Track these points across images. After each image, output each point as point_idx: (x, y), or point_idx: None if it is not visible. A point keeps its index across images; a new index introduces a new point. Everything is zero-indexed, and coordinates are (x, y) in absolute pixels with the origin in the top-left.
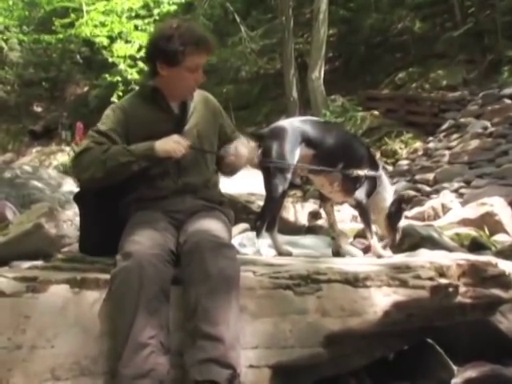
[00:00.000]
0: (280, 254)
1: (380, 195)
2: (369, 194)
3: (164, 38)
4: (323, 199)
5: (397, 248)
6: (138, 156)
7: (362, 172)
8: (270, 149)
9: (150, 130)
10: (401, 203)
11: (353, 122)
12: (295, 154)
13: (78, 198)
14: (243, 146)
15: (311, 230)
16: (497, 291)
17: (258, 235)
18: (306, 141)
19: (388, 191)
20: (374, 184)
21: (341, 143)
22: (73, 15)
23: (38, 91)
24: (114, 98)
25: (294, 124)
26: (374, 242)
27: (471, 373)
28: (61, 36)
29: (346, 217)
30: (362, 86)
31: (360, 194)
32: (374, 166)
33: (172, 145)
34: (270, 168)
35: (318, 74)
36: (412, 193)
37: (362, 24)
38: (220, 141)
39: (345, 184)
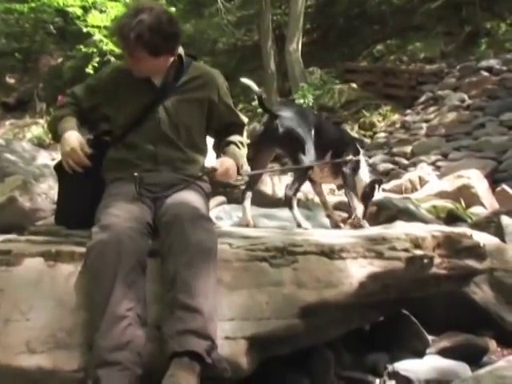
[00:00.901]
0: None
1: (358, 176)
2: (354, 170)
3: None
4: (313, 181)
5: (373, 220)
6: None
7: (349, 157)
8: (291, 129)
9: (128, 98)
10: (374, 186)
11: (331, 94)
12: (311, 138)
13: (58, 167)
14: (228, 161)
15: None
16: (471, 262)
17: (292, 208)
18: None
19: (365, 172)
20: (357, 163)
21: (332, 133)
22: None
23: (11, 62)
24: (88, 70)
25: (306, 112)
26: (359, 213)
27: (445, 343)
28: (33, 5)
29: (323, 190)
30: (340, 58)
31: (346, 169)
32: (356, 149)
33: (67, 151)
34: (298, 150)
35: (296, 46)
36: (388, 168)
37: None
38: (213, 124)
39: (333, 169)
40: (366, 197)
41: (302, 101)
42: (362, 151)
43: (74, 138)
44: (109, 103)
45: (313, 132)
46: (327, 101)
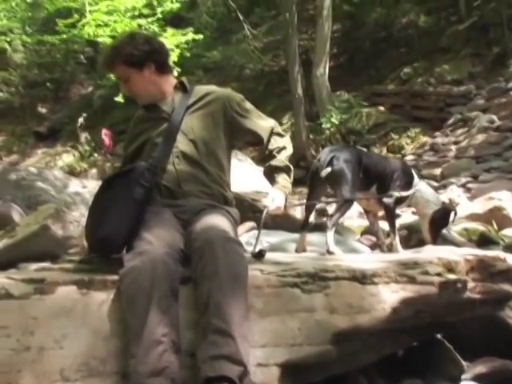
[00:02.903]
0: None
1: (422, 201)
2: (397, 202)
3: None
4: (367, 210)
5: (404, 244)
6: None
7: (396, 193)
8: (342, 170)
9: (144, 129)
10: (448, 213)
11: (358, 117)
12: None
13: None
14: (279, 196)
15: (318, 227)
16: (506, 286)
17: (327, 231)
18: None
19: (430, 198)
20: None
21: (378, 169)
22: (76, 15)
23: (43, 92)
24: (118, 98)
25: (357, 152)
26: (396, 241)
27: (481, 368)
28: (64, 36)
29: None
30: (367, 81)
31: (388, 200)
32: (408, 177)
33: None
34: (344, 188)
35: (323, 70)
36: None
37: (366, 19)
38: (241, 137)
39: (378, 200)
40: (435, 224)
41: (328, 125)
42: (416, 180)
43: None
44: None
45: (361, 170)
46: (355, 124)
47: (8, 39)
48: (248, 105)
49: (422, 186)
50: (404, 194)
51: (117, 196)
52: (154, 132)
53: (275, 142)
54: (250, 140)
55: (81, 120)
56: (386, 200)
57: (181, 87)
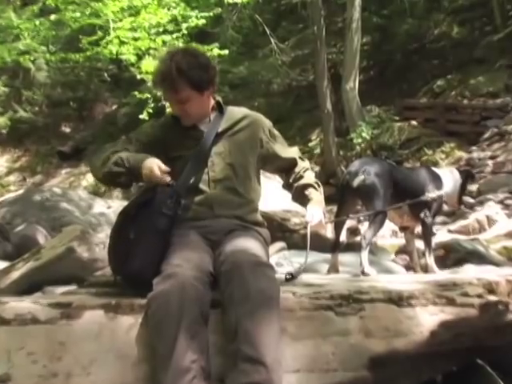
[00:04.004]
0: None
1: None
2: (435, 213)
3: None
4: (404, 227)
5: (441, 263)
6: (127, 168)
7: (425, 197)
8: (373, 184)
9: (178, 147)
10: (467, 178)
11: (390, 132)
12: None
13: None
14: (318, 211)
15: (350, 247)
16: None
17: (362, 251)
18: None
19: (456, 185)
20: (440, 201)
21: (410, 183)
22: (100, 33)
23: (66, 111)
24: (143, 116)
25: (387, 166)
26: (431, 260)
27: None
28: (88, 54)
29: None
30: (398, 95)
31: (426, 214)
32: (438, 182)
33: (148, 171)
34: (375, 202)
35: (353, 84)
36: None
37: (396, 31)
38: (273, 163)
39: (413, 214)
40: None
41: (359, 140)
42: (445, 179)
43: (150, 159)
44: (160, 157)
45: (392, 185)
46: (386, 139)
47: (32, 58)
48: (276, 131)
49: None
50: (432, 195)
51: (140, 229)
52: (188, 150)
53: (300, 165)
54: (281, 165)
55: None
56: (423, 215)
57: (217, 107)
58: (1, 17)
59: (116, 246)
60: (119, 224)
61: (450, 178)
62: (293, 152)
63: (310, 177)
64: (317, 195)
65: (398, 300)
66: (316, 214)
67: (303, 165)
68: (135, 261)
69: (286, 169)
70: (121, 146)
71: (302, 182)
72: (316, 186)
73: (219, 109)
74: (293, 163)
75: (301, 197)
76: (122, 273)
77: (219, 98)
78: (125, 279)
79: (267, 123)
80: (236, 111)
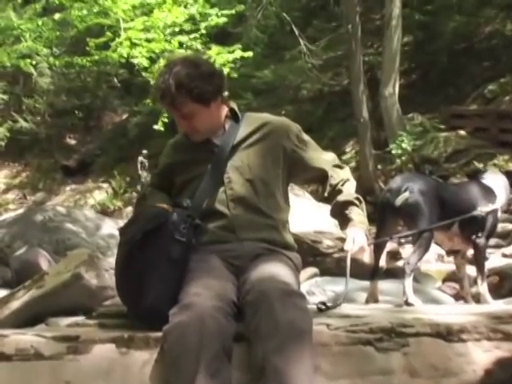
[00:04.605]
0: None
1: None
2: (490, 234)
3: None
4: (454, 251)
5: (495, 292)
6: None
7: (478, 212)
8: (417, 203)
9: (191, 165)
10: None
11: (434, 144)
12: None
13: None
14: (360, 235)
15: (391, 273)
16: None
17: (405, 278)
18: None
19: (507, 192)
20: (495, 217)
21: (460, 202)
22: (109, 33)
23: (71, 121)
24: (157, 126)
25: (433, 183)
26: (484, 289)
27: None
28: (96, 57)
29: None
30: (444, 101)
31: (478, 235)
32: (491, 195)
33: None
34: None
35: (392, 89)
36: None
37: (442, 29)
38: (303, 174)
39: (465, 236)
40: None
41: (399, 152)
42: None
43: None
44: (175, 179)
45: (438, 203)
46: (430, 152)
47: (33, 62)
48: (305, 136)
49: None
50: (486, 209)
51: (151, 258)
52: (202, 168)
53: (337, 176)
54: (311, 176)
55: (141, 158)
56: (475, 236)
57: (231, 115)
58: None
59: (123, 281)
60: (125, 255)
61: (501, 187)
62: (328, 160)
63: (349, 191)
64: (358, 214)
65: (447, 334)
66: (357, 238)
67: (342, 175)
68: (147, 297)
69: (319, 180)
70: (151, 184)
71: (341, 198)
72: (357, 202)
73: (234, 117)
74: (326, 174)
75: (340, 215)
76: (133, 311)
77: (234, 105)
78: (139, 318)
79: (293, 128)
80: (254, 118)
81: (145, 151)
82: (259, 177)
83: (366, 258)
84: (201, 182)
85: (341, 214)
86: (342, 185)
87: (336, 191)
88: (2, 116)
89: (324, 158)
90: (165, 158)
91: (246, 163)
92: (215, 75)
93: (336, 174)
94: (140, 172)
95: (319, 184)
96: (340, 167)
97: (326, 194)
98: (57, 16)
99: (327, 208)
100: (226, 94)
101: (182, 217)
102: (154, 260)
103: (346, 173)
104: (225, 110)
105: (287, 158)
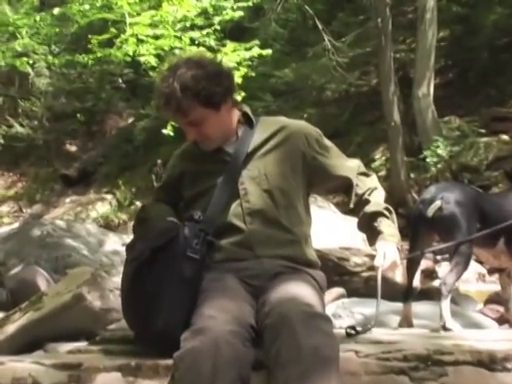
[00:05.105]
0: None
1: None
2: None
3: None
4: (500, 269)
5: None
6: None
7: None
8: (454, 215)
9: (202, 176)
10: None
11: (474, 150)
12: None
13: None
14: (391, 249)
15: (426, 293)
16: None
17: (442, 300)
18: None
19: None
20: None
21: (505, 215)
22: (113, 29)
23: (72, 126)
24: (166, 131)
25: (473, 193)
26: None
27: None
28: (98, 55)
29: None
30: (485, 103)
31: None
32: None
33: None
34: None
35: (427, 89)
36: None
37: (482, 22)
38: (324, 183)
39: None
40: None
41: (435, 159)
42: None
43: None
44: (184, 192)
45: (477, 216)
46: (469, 158)
47: (30, 61)
48: (327, 141)
49: None
50: None
51: (161, 277)
52: (214, 179)
53: (364, 184)
54: (334, 186)
55: (157, 169)
56: None
57: (245, 120)
58: None
59: (130, 303)
60: (132, 274)
61: None
62: (352, 167)
63: (378, 201)
64: (388, 226)
65: (490, 363)
66: (388, 252)
67: (369, 183)
68: (157, 320)
69: (343, 190)
70: (155, 199)
71: (369, 208)
72: (387, 213)
73: (248, 122)
74: (351, 183)
75: (368, 229)
76: (141, 336)
77: (247, 109)
78: (146, 343)
79: (313, 132)
80: (270, 122)
81: (159, 161)
82: (278, 187)
83: (399, 276)
84: (213, 195)
85: (369, 226)
86: (370, 194)
87: (363, 201)
88: None
89: (348, 165)
90: (171, 169)
91: (262, 172)
92: (223, 75)
93: (362, 183)
94: (156, 184)
95: (343, 194)
96: (366, 175)
97: (351, 205)
98: (56, 11)
99: (354, 221)
100: (236, 96)
101: (194, 231)
102: (164, 279)
103: (373, 181)
104: (237, 115)
105: (307, 166)
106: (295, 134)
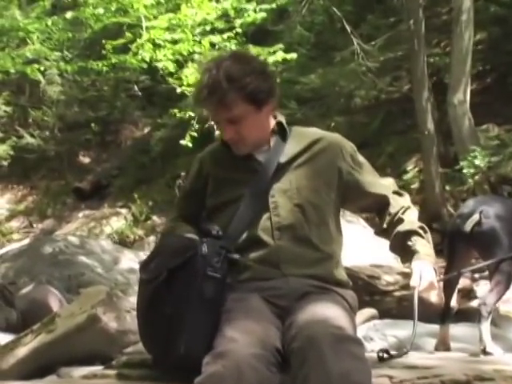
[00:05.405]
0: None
1: None
2: None
3: None
4: None
5: None
6: None
7: None
8: (494, 230)
9: (229, 185)
10: None
11: None
12: None
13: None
14: (428, 269)
15: (464, 314)
16: None
17: (481, 322)
18: None
19: None
20: None
21: None
22: (128, 34)
23: (85, 136)
24: (185, 141)
25: (510, 205)
26: None
27: None
28: (113, 62)
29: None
30: None
31: None
32: None
33: None
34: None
35: (463, 96)
36: None
37: None
38: (357, 201)
39: None
40: None
41: (472, 171)
42: None
43: None
44: (208, 200)
45: None
46: (509, 169)
47: (41, 68)
48: (360, 157)
49: None
50: None
51: (181, 299)
52: (241, 189)
53: (397, 203)
54: (367, 203)
55: (179, 182)
56: None
57: (278, 129)
58: (3, 16)
59: (148, 326)
60: (150, 295)
61: None
62: (386, 185)
63: (412, 220)
64: (424, 246)
65: None
66: (425, 272)
67: (402, 202)
68: (178, 344)
69: (376, 208)
70: (177, 211)
71: (403, 227)
72: (422, 232)
73: (281, 132)
74: (385, 201)
75: (402, 248)
76: (160, 360)
77: (281, 118)
78: (166, 367)
79: (348, 147)
80: (304, 133)
81: (183, 173)
82: (310, 202)
83: (434, 296)
84: (239, 207)
85: (403, 246)
86: (403, 213)
87: (396, 220)
88: (5, 131)
89: (382, 183)
90: (195, 174)
91: (294, 186)
92: (269, 74)
93: (395, 202)
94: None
95: (376, 213)
96: (399, 194)
97: (384, 225)
98: (68, 15)
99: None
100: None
101: (214, 248)
102: (184, 301)
103: (406, 200)
104: (272, 122)
105: (342, 181)
106: (331, 148)
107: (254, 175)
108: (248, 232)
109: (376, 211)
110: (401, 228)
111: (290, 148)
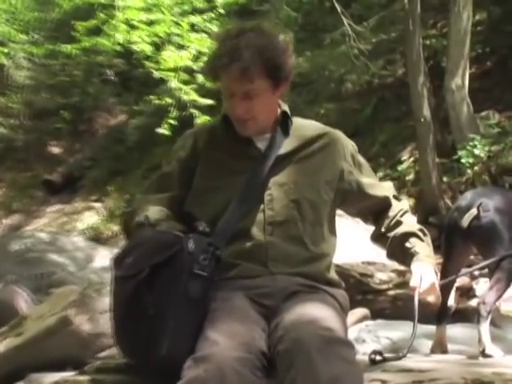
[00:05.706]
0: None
1: None
2: None
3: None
4: None
5: None
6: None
7: None
8: (494, 224)
9: (222, 171)
10: None
11: None
12: None
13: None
14: (429, 271)
15: (462, 314)
16: None
17: (480, 323)
18: None
19: None
20: None
21: None
22: (101, 15)
23: (55, 124)
24: (162, 130)
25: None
26: None
27: None
28: (85, 44)
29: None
30: None
31: None
32: None
33: None
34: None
35: (461, 80)
36: None
37: None
38: (356, 203)
39: None
40: None
41: (471, 160)
42: None
43: None
44: (195, 181)
45: None
46: (511, 159)
47: (6, 51)
48: (361, 158)
49: None
50: None
51: (164, 298)
52: (236, 176)
53: (396, 207)
54: (368, 205)
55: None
56: None
57: (281, 120)
58: None
59: (125, 328)
60: (129, 295)
61: None
62: (385, 188)
63: (410, 222)
64: (423, 248)
65: None
66: (426, 274)
67: (400, 206)
68: (160, 346)
69: (376, 211)
70: (153, 195)
71: (401, 229)
72: (421, 234)
73: (284, 122)
74: (385, 204)
75: (400, 251)
76: (140, 365)
77: (286, 108)
78: (145, 372)
79: (350, 146)
80: (307, 126)
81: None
82: (307, 198)
83: (435, 298)
84: (231, 197)
85: (401, 248)
86: (402, 216)
87: (395, 224)
88: None
89: (383, 186)
90: (182, 151)
91: (291, 180)
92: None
93: (395, 205)
94: None
95: (374, 216)
96: (397, 198)
97: (382, 229)
98: None
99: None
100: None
101: (201, 245)
102: (167, 300)
103: (404, 204)
104: (278, 110)
105: (343, 182)
106: (333, 146)
107: (251, 163)
108: (240, 225)
109: (375, 214)
110: (399, 230)
111: (291, 141)
